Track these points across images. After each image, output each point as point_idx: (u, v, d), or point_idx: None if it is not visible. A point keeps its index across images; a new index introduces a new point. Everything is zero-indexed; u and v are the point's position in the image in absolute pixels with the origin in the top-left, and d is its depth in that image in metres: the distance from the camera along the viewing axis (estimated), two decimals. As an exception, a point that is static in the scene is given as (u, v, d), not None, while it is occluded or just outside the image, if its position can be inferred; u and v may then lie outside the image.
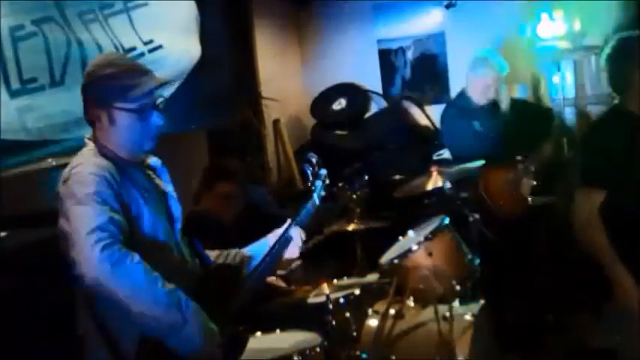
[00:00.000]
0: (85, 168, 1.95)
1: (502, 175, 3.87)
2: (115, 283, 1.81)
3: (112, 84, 2.06)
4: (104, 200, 1.89)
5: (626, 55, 2.66)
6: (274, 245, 2.40)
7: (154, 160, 2.22)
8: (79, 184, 1.91)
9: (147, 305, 1.84)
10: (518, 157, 4.01)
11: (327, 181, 2.61)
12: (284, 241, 2.42)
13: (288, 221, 2.45)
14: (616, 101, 2.74)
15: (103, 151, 2.06)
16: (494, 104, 4.15)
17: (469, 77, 4.14)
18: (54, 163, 3.11)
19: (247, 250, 2.44)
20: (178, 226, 2.19)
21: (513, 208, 3.92)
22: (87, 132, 2.16)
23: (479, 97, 4.11)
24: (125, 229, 1.90)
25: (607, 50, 2.71)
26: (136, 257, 1.85)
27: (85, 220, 1.84)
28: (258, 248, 2.43)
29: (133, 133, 2.09)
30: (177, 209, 2.20)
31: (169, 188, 2.22)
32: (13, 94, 3.05)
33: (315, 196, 2.54)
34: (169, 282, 1.93)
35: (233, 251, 2.42)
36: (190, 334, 1.89)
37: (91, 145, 2.09)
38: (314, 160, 2.55)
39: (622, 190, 2.52)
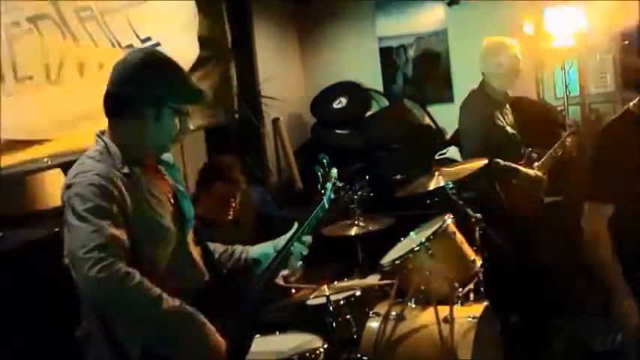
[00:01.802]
0: (87, 178, 1.88)
1: (522, 174, 3.81)
2: (114, 303, 1.82)
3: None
4: (104, 215, 1.83)
5: None
6: (280, 252, 2.28)
7: (167, 158, 2.16)
8: (78, 198, 1.85)
9: (148, 323, 1.86)
10: (534, 155, 3.94)
11: (338, 184, 2.47)
12: (289, 251, 2.29)
13: (296, 225, 2.32)
14: (635, 101, 2.51)
15: (115, 151, 1.97)
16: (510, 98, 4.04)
17: (489, 65, 3.85)
18: (50, 163, 3.08)
19: (253, 252, 2.36)
20: (190, 225, 2.15)
21: (529, 207, 3.86)
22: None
23: (501, 85, 3.90)
24: (126, 245, 1.85)
25: None
26: (137, 276, 1.81)
27: (83, 239, 1.79)
28: (265, 251, 2.34)
29: (170, 130, 2.03)
30: (189, 209, 2.15)
31: (181, 187, 2.16)
32: (9, 92, 3.00)
33: (325, 199, 2.40)
34: (177, 284, 1.93)
35: (239, 248, 2.36)
36: (195, 347, 1.90)
37: (101, 143, 2.00)
38: (325, 162, 2.45)
39: (633, 204, 2.43)
